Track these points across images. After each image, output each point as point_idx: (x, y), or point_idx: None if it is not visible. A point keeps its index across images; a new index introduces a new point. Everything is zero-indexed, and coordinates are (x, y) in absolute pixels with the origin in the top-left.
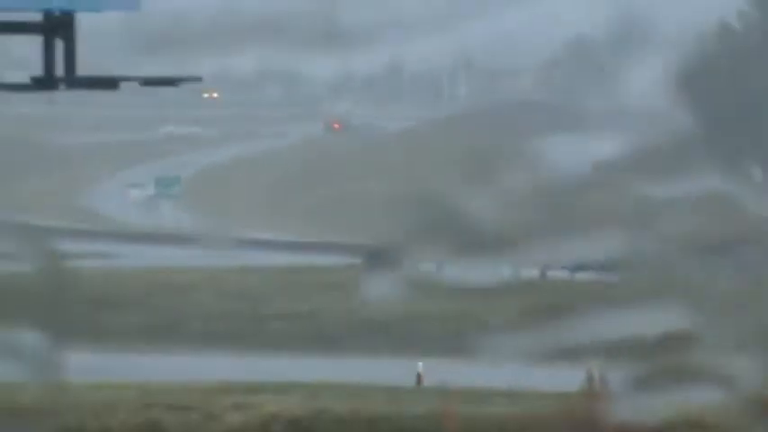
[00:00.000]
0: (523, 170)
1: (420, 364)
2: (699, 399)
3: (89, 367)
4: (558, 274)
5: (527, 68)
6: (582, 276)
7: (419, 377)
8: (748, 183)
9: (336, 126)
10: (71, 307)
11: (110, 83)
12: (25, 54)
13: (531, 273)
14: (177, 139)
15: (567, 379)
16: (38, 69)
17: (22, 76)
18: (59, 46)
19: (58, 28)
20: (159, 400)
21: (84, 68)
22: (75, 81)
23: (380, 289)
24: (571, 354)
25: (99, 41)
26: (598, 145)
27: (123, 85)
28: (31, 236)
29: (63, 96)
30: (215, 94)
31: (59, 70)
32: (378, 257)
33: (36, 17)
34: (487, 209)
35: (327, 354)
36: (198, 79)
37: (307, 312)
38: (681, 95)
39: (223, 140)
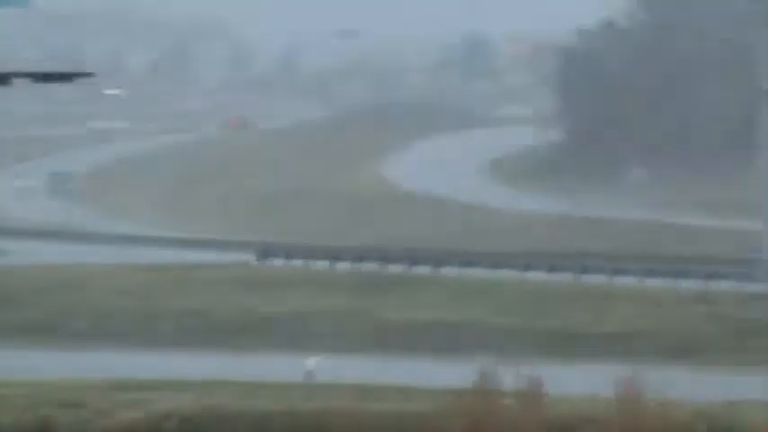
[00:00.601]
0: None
1: (311, 360)
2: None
3: None
4: None
5: (417, 69)
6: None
7: (310, 374)
8: (628, 184)
9: (234, 123)
10: None
11: (1, 78)
12: None
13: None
14: (96, 133)
15: (460, 376)
16: None
17: None
18: None
19: None
20: (50, 397)
21: None
22: None
23: (272, 285)
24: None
25: None
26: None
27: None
28: None
29: None
30: (116, 91)
31: None
32: (269, 253)
33: None
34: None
35: (220, 351)
36: (90, 75)
37: (199, 309)
38: (563, 96)
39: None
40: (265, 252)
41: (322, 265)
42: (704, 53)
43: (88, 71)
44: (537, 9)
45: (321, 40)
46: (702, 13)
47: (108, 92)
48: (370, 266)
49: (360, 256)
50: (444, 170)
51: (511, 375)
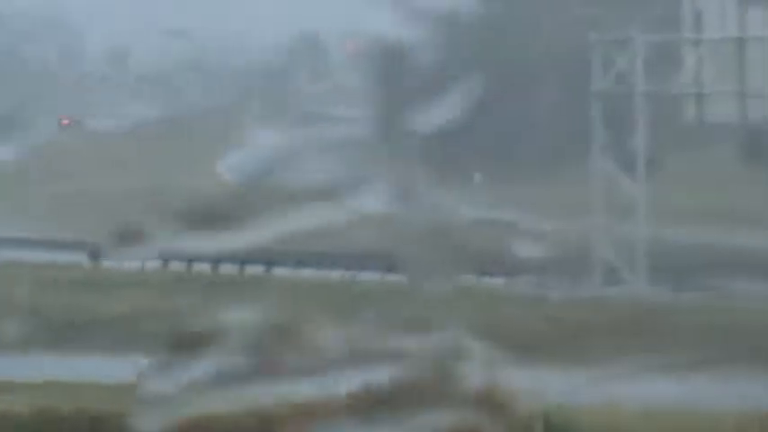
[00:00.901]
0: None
1: (143, 361)
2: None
3: None
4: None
5: (253, 68)
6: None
7: (141, 375)
8: (464, 187)
9: (65, 122)
10: None
11: None
12: None
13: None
14: None
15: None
16: None
17: None
18: None
19: None
20: None
21: None
22: None
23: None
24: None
25: None
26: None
27: None
28: None
29: None
30: None
31: None
32: (99, 253)
33: None
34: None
35: (52, 351)
36: None
37: (31, 309)
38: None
39: None
40: (96, 252)
41: (154, 265)
42: (542, 54)
43: None
44: (377, 2)
45: (149, 38)
46: (540, 13)
47: None
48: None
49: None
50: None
51: None
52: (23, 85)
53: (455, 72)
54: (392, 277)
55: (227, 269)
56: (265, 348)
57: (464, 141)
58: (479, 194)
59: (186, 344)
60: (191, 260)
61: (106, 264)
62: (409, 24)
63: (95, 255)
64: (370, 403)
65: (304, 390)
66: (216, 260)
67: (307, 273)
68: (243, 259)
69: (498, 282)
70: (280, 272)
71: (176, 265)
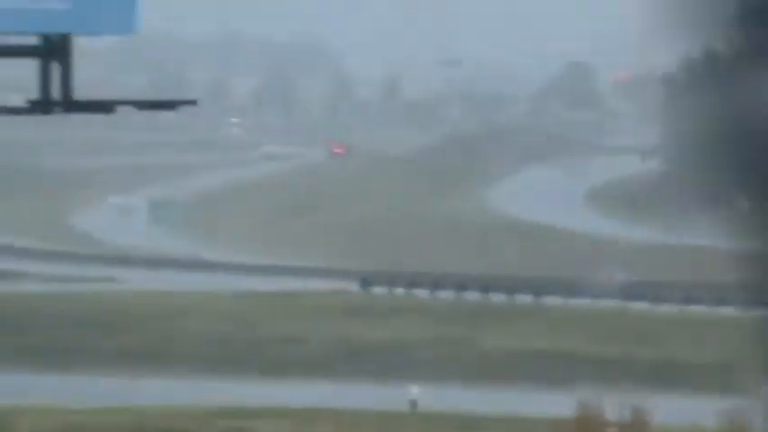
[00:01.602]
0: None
1: (414, 389)
2: None
3: (84, 392)
4: None
5: (519, 96)
6: None
7: (414, 402)
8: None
9: (338, 150)
10: (64, 330)
11: (105, 106)
12: (21, 77)
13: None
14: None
15: (562, 405)
16: (34, 93)
17: (19, 100)
18: (56, 69)
19: (54, 51)
20: (154, 424)
21: (81, 90)
22: (71, 105)
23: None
24: None
25: (96, 63)
26: None
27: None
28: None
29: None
30: (235, 119)
31: (56, 94)
32: (371, 282)
33: (33, 40)
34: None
35: (319, 379)
36: (193, 103)
37: (298, 337)
38: (666, 126)
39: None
40: (367, 280)
41: (423, 293)
42: None
43: (191, 99)
44: (637, 38)
45: (423, 67)
46: None
47: (234, 120)
48: (471, 295)
49: (462, 284)
50: (547, 198)
51: (614, 405)
52: (294, 113)
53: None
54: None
55: (497, 298)
56: None
57: (731, 170)
58: (746, 223)
59: None
60: (460, 288)
61: (376, 291)
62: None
63: (367, 282)
64: None
65: None
66: (485, 288)
67: (576, 302)
68: (513, 287)
69: None
70: (550, 300)
71: (446, 293)
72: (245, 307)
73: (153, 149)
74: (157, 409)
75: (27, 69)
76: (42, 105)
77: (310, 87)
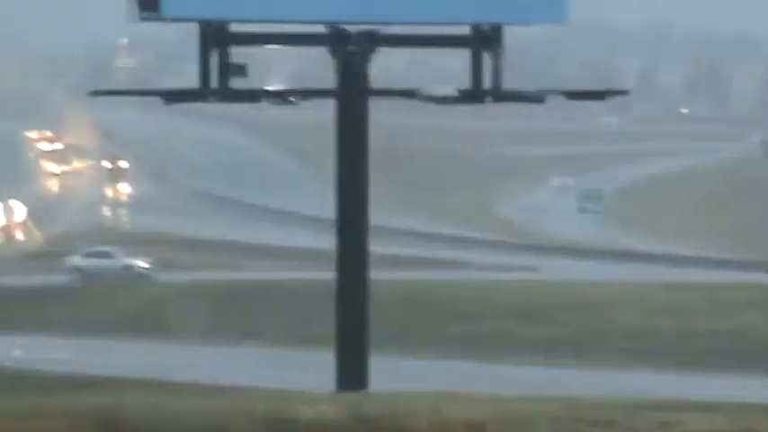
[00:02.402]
0: None
1: None
2: None
3: (512, 379)
4: None
5: None
6: None
7: None
8: None
9: None
10: (491, 319)
11: (537, 97)
12: (449, 67)
13: None
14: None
15: None
16: (463, 82)
17: (449, 89)
18: (486, 59)
19: (485, 42)
20: (582, 414)
21: (510, 80)
22: (501, 94)
23: None
24: None
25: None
26: None
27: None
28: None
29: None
30: (684, 110)
31: (486, 83)
32: None
33: (464, 31)
34: None
35: (753, 374)
36: (624, 93)
37: (731, 331)
38: None
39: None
40: None
41: None
42: None
43: (621, 89)
44: None
45: None
46: None
47: (683, 110)
48: None
49: None
50: None
51: None
52: (726, 105)
53: None
54: None
55: None
56: None
57: None
58: None
59: None
60: None
61: None
62: None
63: None
64: None
65: None
66: None
67: None
68: None
69: None
70: None
71: None
72: (675, 299)
73: (576, 139)
74: (585, 400)
75: (459, 59)
76: (473, 95)
77: (741, 78)
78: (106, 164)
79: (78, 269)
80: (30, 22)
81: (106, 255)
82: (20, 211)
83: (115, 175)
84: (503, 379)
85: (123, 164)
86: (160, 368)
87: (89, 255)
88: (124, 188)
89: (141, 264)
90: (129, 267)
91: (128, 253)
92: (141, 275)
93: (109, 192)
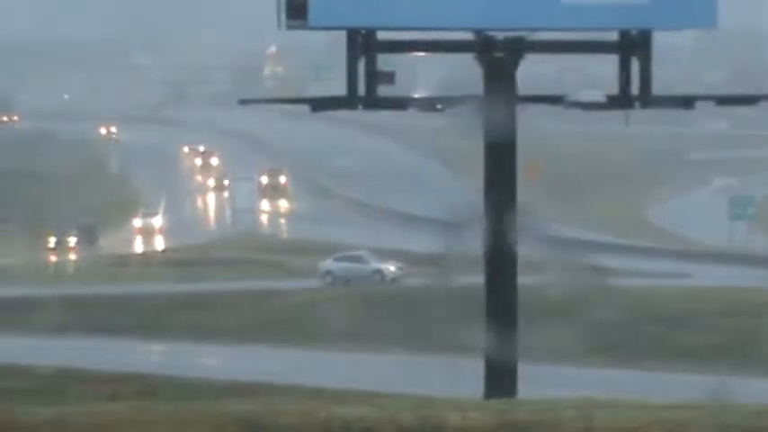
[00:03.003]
0: None
1: None
2: None
3: (664, 385)
4: None
5: None
6: None
7: None
8: None
9: None
10: (641, 326)
11: (685, 102)
12: (598, 72)
13: None
14: None
15: None
16: (611, 88)
17: (597, 95)
18: (635, 65)
19: (634, 47)
20: (732, 422)
21: (659, 86)
22: (650, 100)
23: None
24: None
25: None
26: None
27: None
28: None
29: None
30: None
31: (634, 89)
32: None
33: (612, 36)
34: None
35: None
36: None
37: None
38: None
39: None
40: None
41: None
42: None
43: None
44: None
45: None
46: None
47: None
48: None
49: None
50: None
51: None
52: None
53: None
54: None
55: None
56: None
57: None
58: None
59: None
60: None
61: None
62: None
63: None
64: None
65: None
66: None
67: None
68: None
69: None
70: None
71: None
72: None
73: (727, 143)
74: (735, 407)
75: (607, 64)
76: (621, 100)
77: None
78: (263, 178)
79: (330, 273)
80: (181, 34)
81: (357, 259)
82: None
83: (271, 190)
84: (654, 385)
85: (282, 179)
86: None
87: (340, 259)
88: (282, 203)
89: (391, 268)
90: (379, 271)
91: (378, 258)
92: (393, 279)
93: (265, 203)
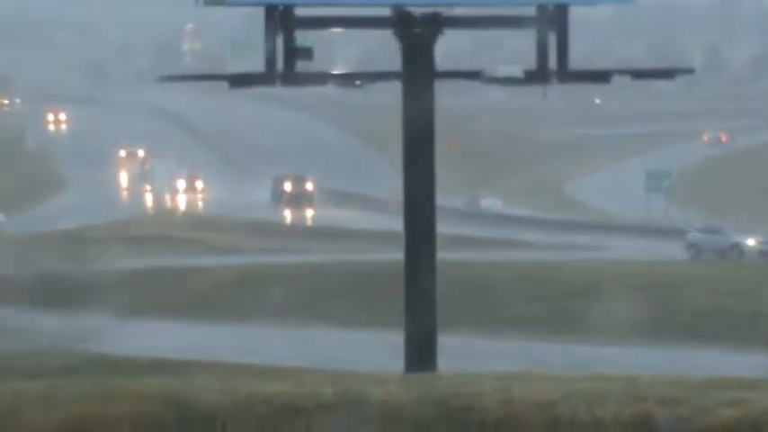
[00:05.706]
0: None
1: None
2: None
3: (578, 359)
4: None
5: None
6: None
7: None
8: None
9: None
10: (551, 299)
11: (602, 76)
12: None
13: None
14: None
15: None
16: (529, 63)
17: (514, 70)
18: (552, 39)
19: (551, 22)
20: (649, 392)
21: (576, 60)
22: (567, 74)
23: None
24: None
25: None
26: None
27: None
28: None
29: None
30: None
31: (552, 64)
32: None
33: (529, 11)
34: None
35: None
36: (690, 71)
37: None
38: None
39: None
40: None
41: None
42: None
43: (687, 67)
44: None
45: None
46: None
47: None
48: None
49: None
50: None
51: None
52: None
53: None
54: None
55: None
56: None
57: None
58: None
59: None
60: None
61: None
62: None
63: None
64: None
65: None
66: None
67: None
68: None
69: None
70: None
71: None
72: (752, 277)
73: (644, 119)
74: (651, 379)
75: (523, 40)
76: (539, 75)
77: None
78: (287, 185)
79: (694, 245)
80: (100, 9)
81: (716, 231)
82: None
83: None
84: (571, 358)
85: (309, 185)
86: None
87: (701, 230)
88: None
89: (750, 242)
90: (737, 246)
91: (739, 231)
92: (759, 254)
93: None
